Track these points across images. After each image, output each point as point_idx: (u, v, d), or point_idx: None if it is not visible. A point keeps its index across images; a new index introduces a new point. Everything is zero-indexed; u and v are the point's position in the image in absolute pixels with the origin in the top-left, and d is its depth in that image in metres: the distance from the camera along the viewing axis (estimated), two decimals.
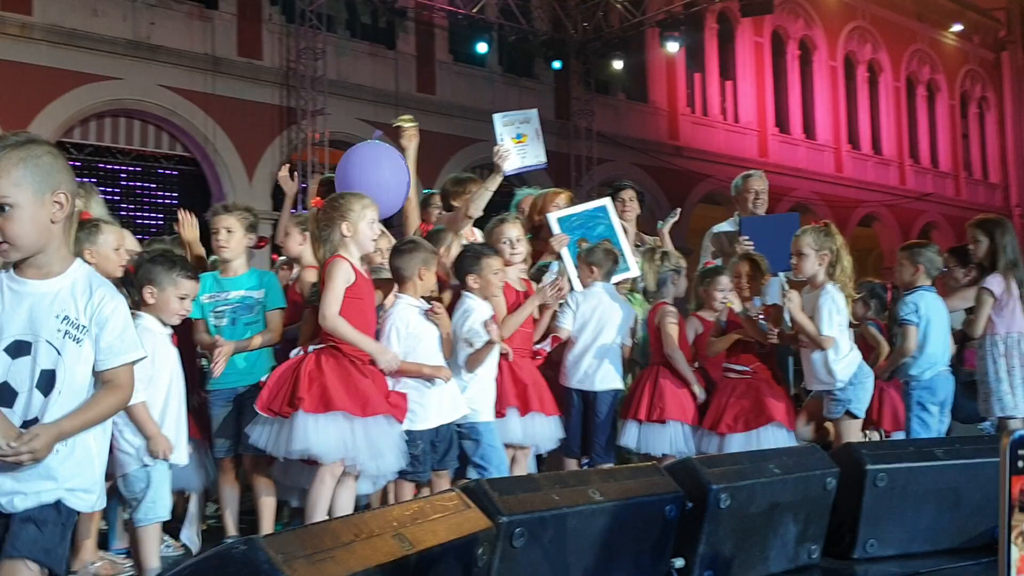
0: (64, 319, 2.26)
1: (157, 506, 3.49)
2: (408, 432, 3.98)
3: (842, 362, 4.68)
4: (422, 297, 4.19)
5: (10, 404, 2.24)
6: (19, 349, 2.24)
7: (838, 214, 24.45)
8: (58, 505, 2.23)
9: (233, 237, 4.13)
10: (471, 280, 4.38)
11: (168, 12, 14.16)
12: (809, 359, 4.73)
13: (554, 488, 2.84)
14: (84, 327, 2.26)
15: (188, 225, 4.59)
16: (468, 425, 4.24)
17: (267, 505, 3.99)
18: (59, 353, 2.24)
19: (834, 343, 4.62)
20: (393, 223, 5.58)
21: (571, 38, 18.00)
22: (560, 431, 4.71)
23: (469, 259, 4.43)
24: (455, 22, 16.67)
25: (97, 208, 4.87)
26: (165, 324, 3.65)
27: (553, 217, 5.46)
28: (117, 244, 3.95)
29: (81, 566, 3.75)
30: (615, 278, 5.22)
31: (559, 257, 5.28)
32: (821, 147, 24.64)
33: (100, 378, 2.30)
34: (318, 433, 3.57)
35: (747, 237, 5.98)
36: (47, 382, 2.24)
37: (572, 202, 6.00)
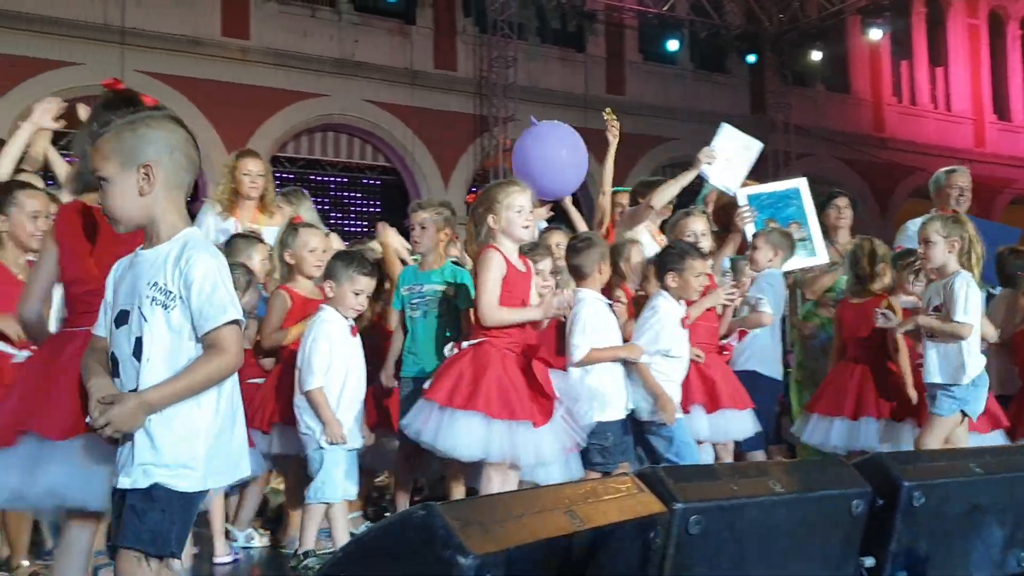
0: (153, 285, 2.23)
1: (325, 488, 3.67)
2: (599, 423, 4.03)
3: (975, 356, 4.26)
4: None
5: (117, 374, 2.26)
6: (121, 318, 2.27)
7: None
8: (155, 488, 2.16)
9: (426, 233, 4.30)
10: (670, 278, 4.27)
11: (371, 29, 14.93)
12: (936, 351, 4.32)
13: (733, 478, 2.81)
14: (171, 293, 2.21)
15: (384, 233, 4.93)
16: (659, 422, 4.20)
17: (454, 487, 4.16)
18: (146, 320, 2.22)
19: (972, 330, 4.21)
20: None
21: (765, 30, 17.52)
22: (755, 424, 4.59)
23: (673, 256, 4.32)
24: (645, 21, 16.62)
25: (307, 213, 5.28)
26: (346, 317, 3.86)
27: (743, 192, 5.37)
28: (313, 246, 4.26)
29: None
30: (803, 263, 5.08)
31: (743, 245, 5.18)
32: None
33: (203, 343, 2.23)
34: (464, 433, 3.56)
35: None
36: (138, 350, 2.22)
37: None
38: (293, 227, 4.36)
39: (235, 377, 2.29)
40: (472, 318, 3.85)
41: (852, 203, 6.11)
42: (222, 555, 3.89)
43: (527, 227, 3.79)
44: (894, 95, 20.41)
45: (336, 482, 3.68)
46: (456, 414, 3.53)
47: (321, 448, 3.70)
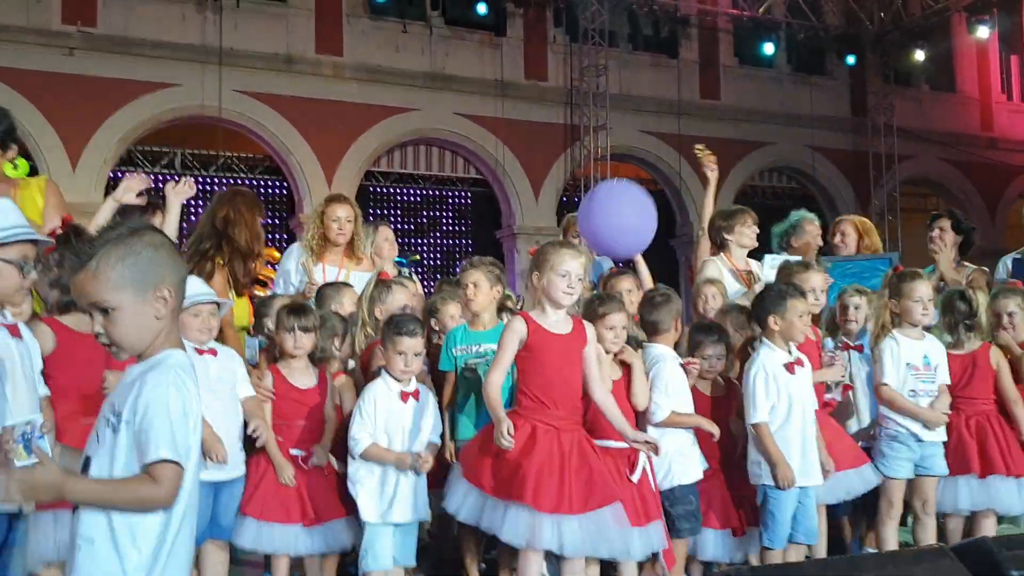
0: (111, 406, 2.13)
1: (367, 557, 3.66)
2: (680, 487, 3.93)
3: None
4: None
5: None
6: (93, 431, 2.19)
7: None
8: None
9: (480, 291, 4.22)
10: (772, 321, 4.01)
11: (461, 43, 14.97)
12: None
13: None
14: (120, 416, 2.08)
15: None
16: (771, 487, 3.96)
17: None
18: (97, 440, 2.12)
19: None
20: None
21: (866, 31, 16.94)
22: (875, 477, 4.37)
23: (773, 298, 4.07)
24: (740, 24, 16.27)
25: (384, 245, 5.36)
26: (398, 380, 3.77)
27: (827, 261, 5.21)
28: (405, 302, 4.27)
29: None
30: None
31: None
32: None
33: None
34: (457, 494, 3.58)
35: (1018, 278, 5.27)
36: (85, 467, 2.12)
37: (859, 227, 5.68)
38: (386, 284, 4.38)
39: (181, 538, 2.10)
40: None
41: (955, 224, 5.74)
42: None
43: (569, 292, 3.57)
44: (1003, 92, 19.53)
45: (380, 554, 3.65)
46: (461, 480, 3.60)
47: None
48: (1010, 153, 19.16)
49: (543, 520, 3.34)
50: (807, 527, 4.00)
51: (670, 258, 16.21)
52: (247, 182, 14.55)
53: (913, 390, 4.24)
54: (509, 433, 3.35)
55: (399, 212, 15.34)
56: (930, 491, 4.28)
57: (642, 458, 3.73)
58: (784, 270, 4.68)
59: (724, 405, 4.20)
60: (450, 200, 15.80)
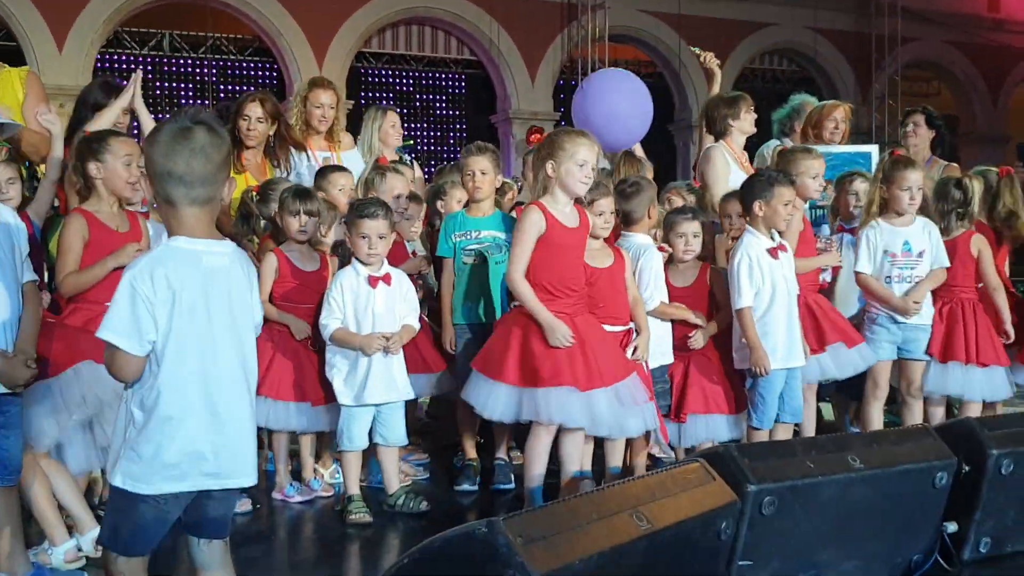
0: None
1: (342, 438, 3.76)
2: (657, 368, 4.01)
3: None
4: None
5: None
6: None
7: None
8: (114, 488, 2.26)
9: (486, 178, 4.14)
10: (756, 207, 3.98)
11: None
12: None
13: (809, 454, 2.76)
14: None
15: None
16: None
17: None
18: None
19: None
20: None
21: None
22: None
23: (762, 183, 4.03)
24: None
25: (391, 132, 5.36)
26: (366, 264, 3.75)
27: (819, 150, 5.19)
28: (400, 189, 4.30)
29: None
30: None
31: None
32: None
33: None
34: (484, 394, 3.57)
35: None
36: None
37: (850, 116, 5.60)
38: (380, 169, 4.33)
39: (161, 388, 2.18)
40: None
41: (929, 120, 5.69)
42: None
43: (586, 183, 3.57)
44: None
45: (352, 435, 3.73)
46: (487, 381, 3.58)
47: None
48: (1017, 35, 18.76)
49: (580, 398, 3.47)
50: (792, 407, 4.09)
51: (668, 143, 16.05)
52: (236, 64, 14.29)
53: (889, 276, 4.27)
54: (565, 337, 3.47)
55: (391, 96, 15.08)
56: (914, 374, 4.35)
57: (634, 340, 3.80)
58: (785, 156, 4.65)
59: (697, 293, 4.22)
60: (444, 83, 15.51)
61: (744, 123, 5.17)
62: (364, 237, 3.69)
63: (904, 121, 5.77)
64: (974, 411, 4.39)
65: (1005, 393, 4.48)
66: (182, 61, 13.95)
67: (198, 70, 14.02)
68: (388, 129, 5.40)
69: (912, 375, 4.36)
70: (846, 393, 4.92)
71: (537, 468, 3.54)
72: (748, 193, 4.09)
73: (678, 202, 4.80)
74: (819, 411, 4.95)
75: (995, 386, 4.42)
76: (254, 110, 4.72)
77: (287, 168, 4.88)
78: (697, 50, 5.67)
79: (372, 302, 3.72)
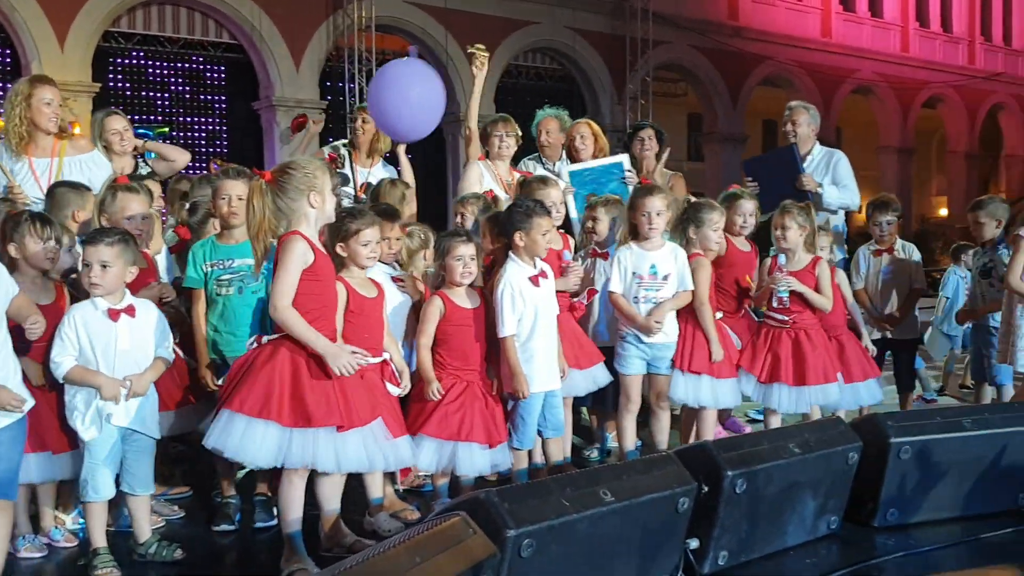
0: None
1: (87, 488, 3.52)
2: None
3: None
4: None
5: None
6: None
7: (902, 96, 23.59)
8: None
9: (243, 204, 3.76)
10: (517, 237, 4.08)
11: None
12: None
13: (564, 492, 2.89)
14: None
15: None
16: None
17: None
18: None
19: None
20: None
21: None
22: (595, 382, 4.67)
23: (520, 215, 4.11)
24: None
25: (114, 140, 4.92)
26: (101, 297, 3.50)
27: (566, 169, 5.40)
28: (133, 212, 4.05)
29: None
30: None
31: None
32: (887, 25, 23.55)
33: None
34: (243, 437, 3.27)
35: (751, 179, 5.72)
36: None
37: (594, 129, 5.82)
38: (112, 189, 4.02)
39: None
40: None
41: (658, 134, 6.06)
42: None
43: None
44: None
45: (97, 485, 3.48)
46: (250, 421, 3.29)
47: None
48: (754, 42, 20.38)
49: (340, 437, 3.40)
50: (554, 423, 4.26)
51: (436, 136, 16.15)
52: None
53: (636, 297, 4.53)
54: (351, 362, 3.40)
55: (144, 82, 14.20)
56: (661, 387, 4.64)
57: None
58: (524, 185, 4.82)
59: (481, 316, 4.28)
60: (202, 68, 14.77)
61: (504, 148, 5.34)
62: (88, 265, 3.43)
63: (635, 135, 6.02)
64: (708, 416, 4.74)
65: (732, 402, 4.83)
66: None
67: None
68: (110, 138, 4.93)
69: (659, 388, 4.64)
70: (602, 405, 5.18)
71: (294, 514, 3.40)
72: (508, 223, 4.18)
73: (469, 217, 4.83)
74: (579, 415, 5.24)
75: (724, 395, 4.76)
76: None
77: None
78: (480, 47, 5.64)
79: (115, 338, 3.46)
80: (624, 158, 5.55)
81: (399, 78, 5.15)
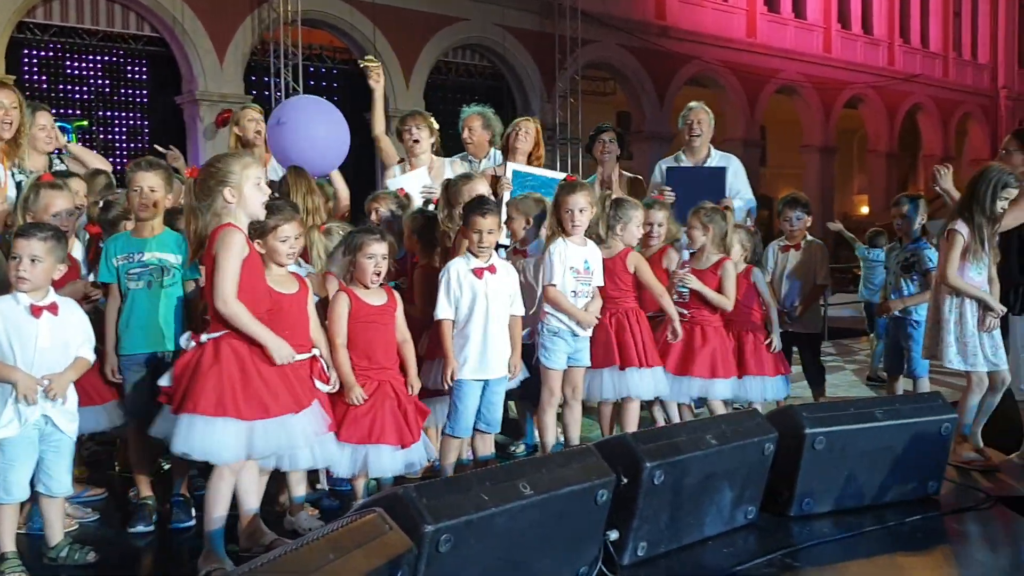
0: None
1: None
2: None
3: None
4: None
5: None
6: None
7: (824, 96, 24.15)
8: None
9: (156, 195, 3.86)
10: (463, 232, 4.33)
11: None
12: None
13: (484, 486, 2.89)
14: None
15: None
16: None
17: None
18: None
19: None
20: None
21: None
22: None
23: (465, 214, 4.32)
24: None
25: (40, 136, 4.82)
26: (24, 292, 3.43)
27: (511, 166, 5.42)
28: (62, 207, 3.95)
29: None
30: None
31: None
32: (810, 27, 24.07)
33: None
34: (206, 437, 3.27)
35: (670, 188, 5.82)
36: None
37: (537, 128, 5.87)
38: (35, 186, 3.93)
39: None
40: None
41: (619, 137, 6.17)
42: None
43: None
44: None
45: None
46: (208, 420, 3.28)
47: None
48: (680, 42, 20.64)
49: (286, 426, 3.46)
50: (489, 418, 4.32)
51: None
52: None
53: (574, 291, 4.58)
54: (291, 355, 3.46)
55: (61, 75, 13.78)
56: (578, 380, 4.70)
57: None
58: (450, 185, 4.90)
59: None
60: (123, 62, 14.38)
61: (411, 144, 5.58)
62: (15, 258, 3.36)
63: (597, 137, 6.17)
64: (633, 410, 4.82)
65: (650, 394, 4.92)
66: None
67: None
68: (37, 133, 4.81)
69: (576, 381, 4.70)
70: (528, 398, 5.22)
71: (220, 510, 3.36)
72: (462, 220, 4.31)
73: (383, 212, 4.87)
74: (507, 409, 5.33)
75: (647, 386, 4.85)
76: None
77: None
78: (371, 58, 5.73)
79: (36, 335, 3.37)
80: (565, 176, 5.63)
81: (302, 118, 5.16)
